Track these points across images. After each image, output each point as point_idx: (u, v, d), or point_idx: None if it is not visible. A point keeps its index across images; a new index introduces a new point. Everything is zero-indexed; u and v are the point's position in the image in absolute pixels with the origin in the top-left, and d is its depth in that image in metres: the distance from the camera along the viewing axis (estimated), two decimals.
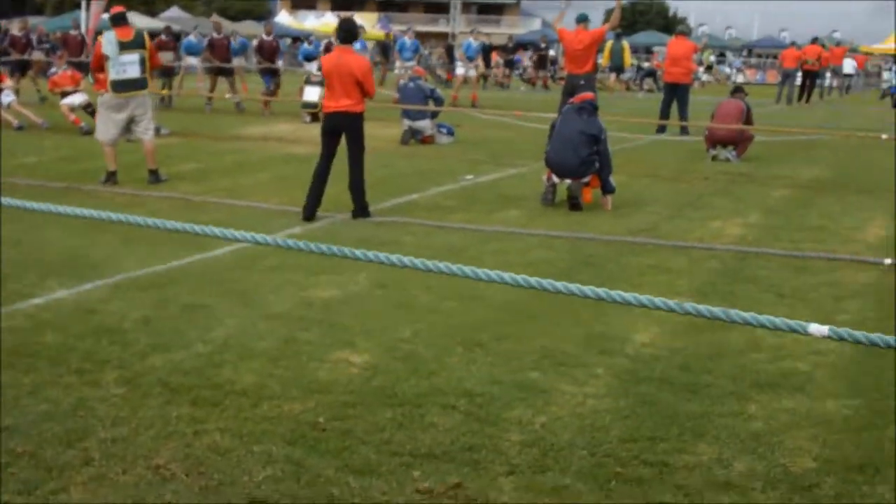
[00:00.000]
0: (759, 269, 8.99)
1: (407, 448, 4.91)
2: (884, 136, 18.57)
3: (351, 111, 10.87)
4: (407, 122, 19.02)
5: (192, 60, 28.31)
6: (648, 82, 45.83)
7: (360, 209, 11.04)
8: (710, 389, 5.81)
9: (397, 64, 31.10)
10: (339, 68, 10.81)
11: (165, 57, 24.37)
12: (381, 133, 20.21)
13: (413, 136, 18.89)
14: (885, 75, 55.82)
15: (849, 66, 48.46)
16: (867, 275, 8.93)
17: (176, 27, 37.85)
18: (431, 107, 19.04)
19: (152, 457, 4.73)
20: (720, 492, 4.54)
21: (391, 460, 4.77)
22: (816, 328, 3.68)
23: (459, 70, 31.68)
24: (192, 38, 29.28)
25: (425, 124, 18.97)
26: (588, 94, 12.52)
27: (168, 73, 26.41)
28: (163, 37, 26.92)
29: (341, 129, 10.96)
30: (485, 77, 41.50)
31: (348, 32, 11.05)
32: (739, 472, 4.77)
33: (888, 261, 9.33)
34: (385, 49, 43.08)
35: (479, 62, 31.74)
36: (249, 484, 4.50)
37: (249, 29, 49.30)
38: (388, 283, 8.04)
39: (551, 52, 47.56)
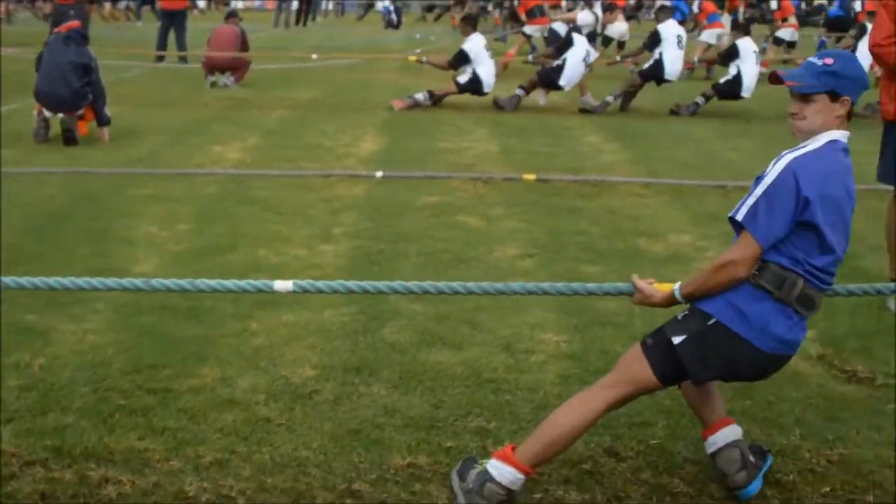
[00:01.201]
0: (260, 190, 9.14)
1: None
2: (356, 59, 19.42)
3: None
4: None
5: None
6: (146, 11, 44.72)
7: None
8: (213, 313, 5.88)
9: None
10: None
11: None
12: None
13: None
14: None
15: None
16: (361, 187, 9.34)
17: None
18: None
19: None
20: (224, 410, 4.61)
21: None
22: (281, 284, 3.85)
23: None
24: None
25: None
26: (74, 23, 12.06)
27: None
28: None
29: None
30: None
31: None
32: (243, 388, 4.87)
33: (379, 173, 9.80)
34: None
35: None
36: None
37: None
38: None
39: None
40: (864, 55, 12.22)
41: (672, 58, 15.65)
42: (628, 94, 15.66)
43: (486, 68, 15.10)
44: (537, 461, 3.81)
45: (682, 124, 14.23)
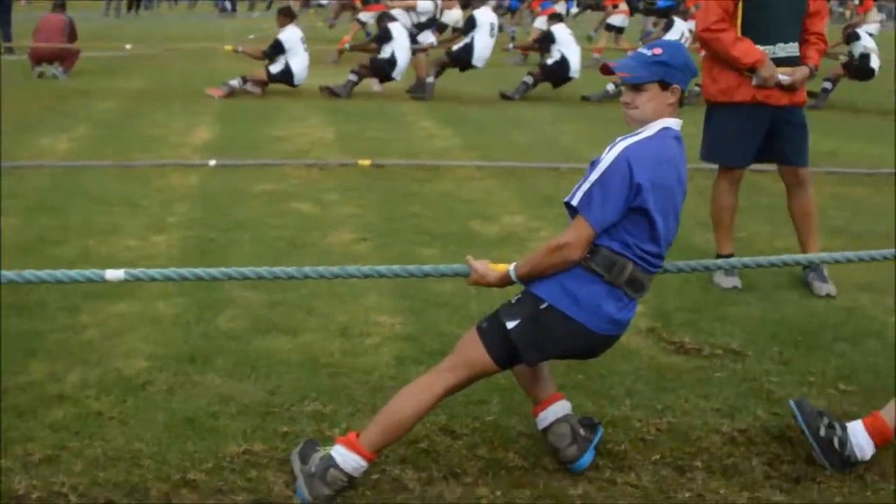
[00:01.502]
0: (90, 182, 8.93)
1: None
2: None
3: None
4: None
5: None
6: None
7: None
8: (40, 307, 5.72)
9: None
10: None
11: None
12: None
13: None
14: None
15: None
16: (194, 177, 9.20)
17: None
18: None
19: None
20: (54, 405, 4.49)
21: None
22: (112, 273, 3.77)
23: None
24: None
25: None
26: None
27: None
28: None
29: None
30: None
31: None
32: (73, 383, 4.75)
33: (212, 162, 9.67)
34: None
35: None
36: None
37: None
38: None
39: None
40: None
41: (482, 44, 15.95)
42: (437, 73, 15.89)
43: (299, 61, 15.25)
44: (380, 447, 3.82)
45: (515, 109, 14.43)
